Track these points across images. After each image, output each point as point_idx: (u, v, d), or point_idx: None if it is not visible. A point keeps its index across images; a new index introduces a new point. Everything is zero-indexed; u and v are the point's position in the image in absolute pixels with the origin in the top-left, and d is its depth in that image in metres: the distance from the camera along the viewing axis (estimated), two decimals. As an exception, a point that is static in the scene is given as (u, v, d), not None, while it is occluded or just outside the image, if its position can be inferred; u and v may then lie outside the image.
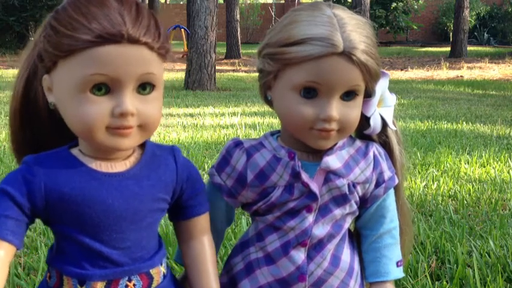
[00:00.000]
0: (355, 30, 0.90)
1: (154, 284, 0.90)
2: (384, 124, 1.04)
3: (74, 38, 0.76)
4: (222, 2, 21.53)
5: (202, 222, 0.97)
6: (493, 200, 2.65)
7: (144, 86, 0.81)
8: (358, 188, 1.00)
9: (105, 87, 0.78)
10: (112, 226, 0.84)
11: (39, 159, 0.84)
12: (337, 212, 0.99)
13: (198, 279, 0.96)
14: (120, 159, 0.86)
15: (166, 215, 0.97)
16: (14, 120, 0.91)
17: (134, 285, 0.87)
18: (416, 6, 21.21)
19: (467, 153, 3.74)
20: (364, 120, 1.01)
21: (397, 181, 1.04)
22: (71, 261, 0.84)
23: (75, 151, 0.86)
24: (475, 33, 20.56)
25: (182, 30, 15.19)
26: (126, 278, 0.86)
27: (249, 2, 25.79)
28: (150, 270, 0.89)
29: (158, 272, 0.90)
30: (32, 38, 0.88)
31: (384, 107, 1.04)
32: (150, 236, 0.90)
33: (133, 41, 0.77)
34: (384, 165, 1.02)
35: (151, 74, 0.81)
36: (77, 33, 0.76)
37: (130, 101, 0.79)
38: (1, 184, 0.82)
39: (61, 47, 0.77)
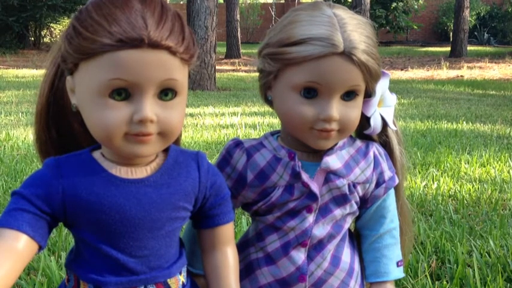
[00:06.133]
0: (356, 30, 0.90)
1: None
2: (384, 124, 1.04)
3: (93, 41, 0.74)
4: (222, 2, 21.51)
5: (225, 232, 0.93)
6: (493, 200, 2.65)
7: (166, 92, 0.78)
8: (359, 188, 1.00)
9: (125, 92, 0.76)
10: (129, 234, 0.82)
11: (59, 162, 0.82)
12: (338, 212, 0.99)
13: None
14: (141, 165, 0.84)
15: None
16: (39, 119, 0.90)
17: None
18: (416, 6, 21.18)
19: (468, 153, 3.74)
20: (365, 120, 1.01)
21: (397, 181, 1.04)
22: (88, 267, 0.83)
23: (96, 154, 0.84)
24: (475, 33, 20.55)
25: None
26: (142, 287, 0.84)
27: (249, 2, 25.76)
28: (168, 280, 0.85)
29: (176, 281, 0.87)
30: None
31: (384, 107, 1.04)
32: (169, 245, 0.86)
33: (154, 45, 0.74)
34: (384, 165, 1.02)
35: (173, 80, 0.78)
36: (97, 36, 0.73)
37: (150, 107, 0.76)
38: (19, 188, 0.80)
39: (81, 49, 0.75)
